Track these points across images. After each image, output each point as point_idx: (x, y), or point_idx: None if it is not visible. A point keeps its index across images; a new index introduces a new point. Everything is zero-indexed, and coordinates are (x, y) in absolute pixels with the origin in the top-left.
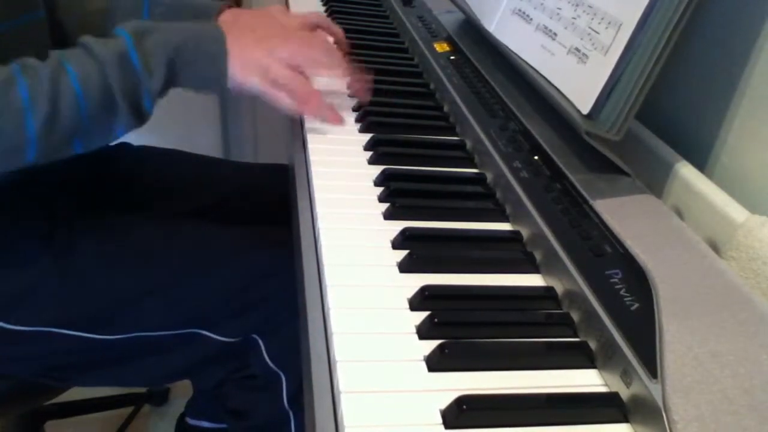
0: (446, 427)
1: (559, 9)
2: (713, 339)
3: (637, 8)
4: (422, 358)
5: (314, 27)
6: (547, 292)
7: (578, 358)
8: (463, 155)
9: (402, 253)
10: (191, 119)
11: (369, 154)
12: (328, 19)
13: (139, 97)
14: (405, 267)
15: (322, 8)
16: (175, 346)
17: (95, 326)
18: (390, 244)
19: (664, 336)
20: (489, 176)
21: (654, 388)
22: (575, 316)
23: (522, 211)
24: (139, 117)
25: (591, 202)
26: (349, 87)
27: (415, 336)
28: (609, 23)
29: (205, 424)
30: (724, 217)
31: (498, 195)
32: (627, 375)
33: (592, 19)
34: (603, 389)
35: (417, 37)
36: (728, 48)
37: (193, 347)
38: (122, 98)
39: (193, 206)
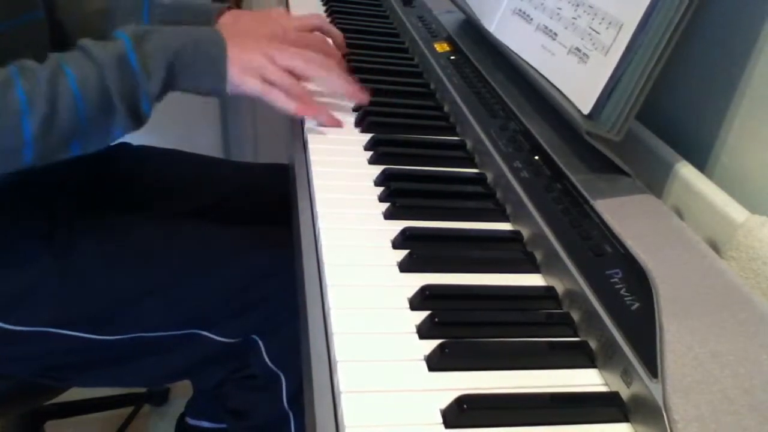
0: (446, 427)
1: (560, 9)
2: (713, 339)
3: (638, 8)
4: (422, 357)
5: (313, 29)
6: (547, 292)
7: (578, 357)
8: (463, 155)
9: (402, 253)
10: (191, 119)
11: (369, 154)
12: (328, 22)
13: (137, 100)
14: (405, 267)
15: (322, 8)
16: (174, 347)
17: (95, 326)
18: (390, 244)
19: (665, 336)
20: (489, 176)
21: (654, 388)
22: (575, 315)
23: (522, 211)
24: (137, 119)
25: (591, 202)
26: (346, 94)
27: (416, 336)
28: (610, 23)
29: (205, 424)
30: (724, 217)
31: (498, 195)
32: (627, 375)
33: (593, 19)
34: (603, 389)
35: (417, 37)
36: (728, 48)
37: (193, 347)
38: (120, 101)
39: (193, 206)
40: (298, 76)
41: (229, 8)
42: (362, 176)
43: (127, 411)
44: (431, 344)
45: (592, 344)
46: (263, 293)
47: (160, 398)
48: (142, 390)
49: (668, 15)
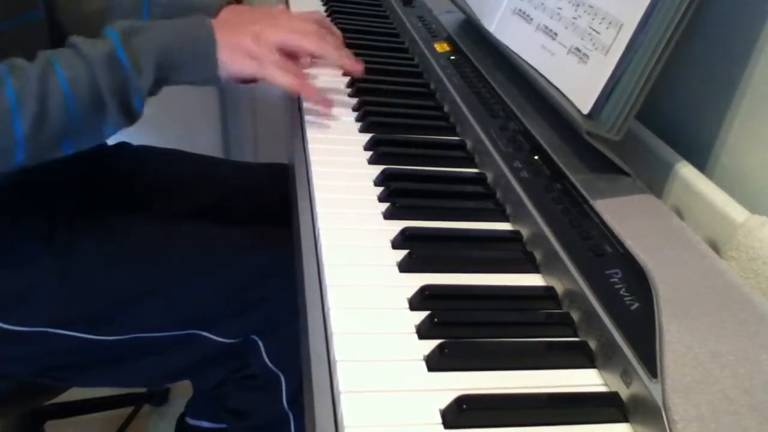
0: (446, 427)
1: (560, 9)
2: (713, 339)
3: (638, 8)
4: (422, 357)
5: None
6: (547, 292)
7: (578, 357)
8: (463, 155)
9: (402, 253)
10: (191, 119)
11: (369, 154)
12: (328, 21)
13: (129, 96)
14: (405, 267)
15: (322, 8)
16: (174, 347)
17: (95, 326)
18: (390, 244)
19: (664, 336)
20: (489, 176)
21: (654, 388)
22: (575, 315)
23: (522, 211)
24: (129, 116)
25: (591, 202)
26: (341, 67)
27: (415, 336)
28: (610, 23)
29: (205, 424)
30: (724, 217)
31: (498, 195)
32: (627, 375)
33: (593, 19)
34: (603, 389)
35: (417, 37)
36: (728, 48)
37: (193, 347)
38: (111, 98)
39: (193, 206)
40: (291, 53)
41: (230, 3)
42: (362, 176)
43: (127, 411)
44: (431, 344)
45: (592, 344)
46: (263, 293)
47: (160, 398)
48: (142, 390)
49: (668, 15)
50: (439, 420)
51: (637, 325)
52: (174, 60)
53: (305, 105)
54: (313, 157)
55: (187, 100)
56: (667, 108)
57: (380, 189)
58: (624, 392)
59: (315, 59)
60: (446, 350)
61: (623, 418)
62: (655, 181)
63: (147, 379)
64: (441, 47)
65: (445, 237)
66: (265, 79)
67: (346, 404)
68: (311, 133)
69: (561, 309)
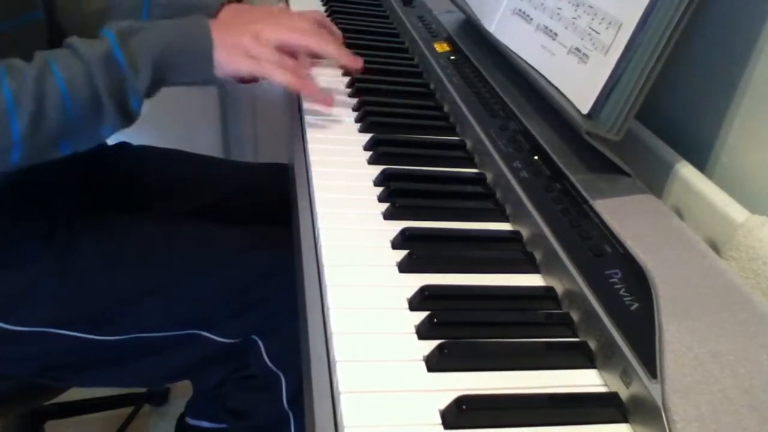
0: (446, 428)
1: (560, 9)
2: (713, 339)
3: (637, 8)
4: (422, 358)
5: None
6: (546, 292)
7: (578, 358)
8: (463, 155)
9: (402, 253)
10: (191, 119)
11: (369, 154)
12: (329, 20)
13: (126, 97)
14: (405, 267)
15: (322, 8)
16: (174, 347)
17: (95, 326)
18: (390, 244)
19: (664, 336)
20: (489, 176)
21: (653, 388)
22: (575, 316)
23: (522, 211)
24: (127, 117)
25: (591, 202)
26: (341, 66)
27: (415, 336)
28: (609, 23)
29: (205, 424)
30: (724, 217)
31: (498, 195)
32: (626, 375)
33: (593, 19)
34: (602, 389)
35: (417, 37)
36: (728, 48)
37: (193, 347)
38: (108, 98)
39: (193, 206)
40: (290, 52)
41: (230, 2)
42: (362, 176)
43: (127, 411)
44: (430, 345)
45: (592, 344)
46: (263, 293)
47: (160, 398)
48: (142, 390)
49: (667, 15)
50: (439, 420)
51: (636, 326)
52: (171, 60)
53: (305, 105)
54: (313, 157)
55: (187, 100)
56: (667, 108)
57: (380, 189)
58: (624, 392)
59: (315, 59)
60: (446, 350)
61: (623, 419)
62: (655, 181)
63: (147, 379)
64: (441, 47)
65: (444, 237)
66: (264, 78)
67: (345, 404)
68: (311, 133)
69: (561, 309)
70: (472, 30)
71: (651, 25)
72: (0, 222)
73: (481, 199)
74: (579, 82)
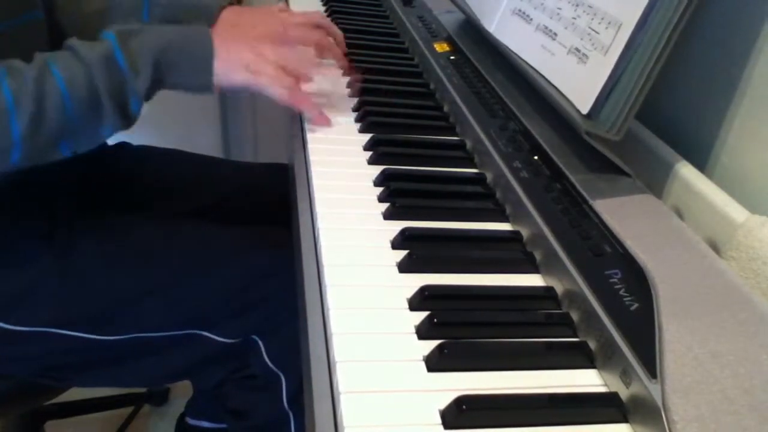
0: (445, 428)
1: (559, 9)
2: (713, 339)
3: (637, 8)
4: (422, 358)
5: (315, 27)
6: (546, 292)
7: (578, 358)
8: (463, 155)
9: (402, 253)
10: (191, 119)
11: (369, 154)
12: (329, 20)
13: (126, 98)
14: (405, 267)
15: (322, 8)
16: (174, 347)
17: (95, 326)
18: (390, 244)
19: (664, 336)
20: (489, 176)
21: (653, 388)
22: (575, 316)
23: (522, 211)
24: (126, 118)
25: (591, 202)
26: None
27: (415, 336)
28: (609, 23)
29: (205, 424)
30: (724, 217)
31: (498, 195)
32: (626, 375)
33: (592, 19)
34: (602, 389)
35: (417, 37)
36: (728, 48)
37: (193, 347)
38: (108, 99)
39: (193, 206)
40: (290, 71)
41: (231, 4)
42: (362, 176)
43: (127, 411)
44: (430, 345)
45: (592, 344)
46: (263, 293)
47: (160, 398)
48: (142, 390)
49: (667, 15)
50: (439, 420)
51: (636, 326)
52: (172, 60)
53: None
54: (313, 157)
55: (187, 100)
56: (667, 108)
57: (380, 189)
58: (624, 392)
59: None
60: (446, 350)
61: (623, 419)
62: (655, 181)
63: (147, 379)
64: (441, 47)
65: (444, 237)
66: (258, 90)
67: (345, 404)
68: (311, 133)
69: (561, 309)
70: (472, 30)
71: (651, 25)
72: (0, 222)
73: (481, 199)
74: (579, 82)
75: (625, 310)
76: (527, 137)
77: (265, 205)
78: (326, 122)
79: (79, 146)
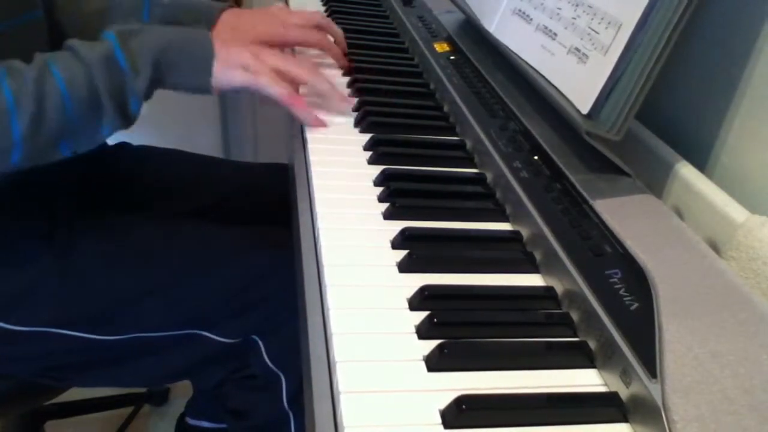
0: (446, 427)
1: (559, 9)
2: (713, 339)
3: (636, 8)
4: (422, 358)
5: (314, 26)
6: (546, 292)
7: (578, 357)
8: (463, 155)
9: (402, 253)
10: (191, 119)
11: (369, 154)
12: (330, 20)
13: (125, 98)
14: (405, 267)
15: (322, 8)
16: (174, 347)
17: (95, 326)
18: (390, 244)
19: (664, 336)
20: (489, 176)
21: (653, 388)
22: (575, 315)
23: (522, 211)
24: (125, 118)
25: (591, 202)
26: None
27: (415, 336)
28: (609, 23)
29: (205, 424)
30: (724, 217)
31: (498, 195)
32: (626, 375)
33: (592, 19)
34: (602, 389)
35: (417, 37)
36: (728, 48)
37: (193, 347)
38: (108, 99)
39: (193, 206)
40: (288, 78)
41: (230, 7)
42: (362, 176)
43: (127, 411)
44: (430, 344)
45: (592, 344)
46: (263, 293)
47: (160, 398)
48: (142, 390)
49: (667, 15)
50: (439, 420)
51: (636, 325)
52: (172, 60)
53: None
54: (313, 157)
55: (187, 100)
56: (667, 108)
57: (380, 189)
58: (624, 392)
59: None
60: (446, 350)
61: (623, 418)
62: (655, 181)
63: (147, 379)
64: (441, 47)
65: (444, 237)
66: (257, 90)
67: (345, 404)
68: (311, 133)
69: (561, 309)
70: (472, 30)
71: (651, 25)
72: (0, 222)
73: (481, 199)
74: (579, 82)
75: (625, 310)
76: (527, 137)
77: (265, 205)
78: (322, 125)
79: (79, 146)
